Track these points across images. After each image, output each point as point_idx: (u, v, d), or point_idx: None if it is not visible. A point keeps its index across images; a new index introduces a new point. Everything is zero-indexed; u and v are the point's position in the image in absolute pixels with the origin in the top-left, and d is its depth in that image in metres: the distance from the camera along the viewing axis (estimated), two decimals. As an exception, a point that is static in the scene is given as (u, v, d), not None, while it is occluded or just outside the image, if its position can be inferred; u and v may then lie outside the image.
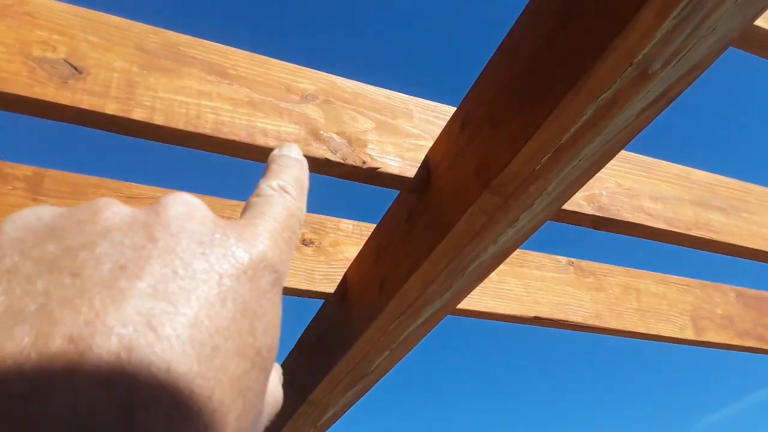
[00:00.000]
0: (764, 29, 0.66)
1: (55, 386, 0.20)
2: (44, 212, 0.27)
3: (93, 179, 1.13)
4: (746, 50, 0.68)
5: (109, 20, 0.85)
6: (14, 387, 0.20)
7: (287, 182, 0.33)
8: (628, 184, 1.00)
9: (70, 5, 0.85)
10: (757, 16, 0.54)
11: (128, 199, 1.13)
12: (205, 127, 0.83)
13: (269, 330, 0.27)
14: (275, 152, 0.37)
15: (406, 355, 1.18)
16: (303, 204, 0.33)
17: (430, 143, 0.93)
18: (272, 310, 0.27)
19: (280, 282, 0.28)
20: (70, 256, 0.24)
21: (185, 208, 0.28)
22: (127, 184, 1.15)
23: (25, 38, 0.79)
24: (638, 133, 0.67)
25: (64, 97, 0.80)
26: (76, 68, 0.82)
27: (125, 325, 0.22)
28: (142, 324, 0.22)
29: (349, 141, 0.90)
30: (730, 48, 0.65)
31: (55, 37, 0.83)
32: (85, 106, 0.80)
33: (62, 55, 0.83)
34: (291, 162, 0.36)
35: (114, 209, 0.27)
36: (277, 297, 0.28)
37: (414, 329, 1.06)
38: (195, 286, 0.24)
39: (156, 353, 0.22)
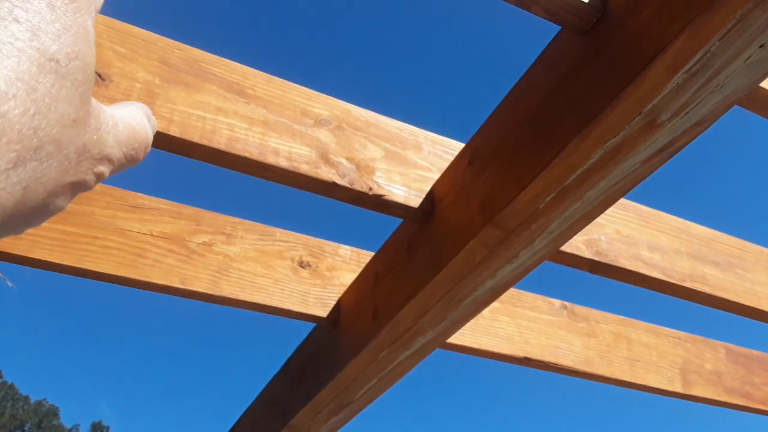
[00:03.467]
0: (768, 91, 0.68)
1: None
2: None
3: (98, 186, 1.13)
4: (751, 110, 0.71)
5: (136, 32, 0.87)
6: None
7: None
8: (627, 232, 1.02)
9: (102, 15, 0.87)
10: (764, 77, 0.57)
11: (132, 208, 1.14)
12: (219, 142, 0.85)
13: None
14: None
15: (392, 387, 1.18)
16: None
17: (436, 176, 0.95)
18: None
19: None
20: None
21: None
22: (132, 193, 1.15)
23: (53, 41, 0.81)
24: (642, 180, 0.68)
25: (85, 101, 0.82)
26: (100, 75, 0.84)
27: None
28: None
29: (358, 167, 0.92)
30: (736, 107, 0.67)
31: (81, 43, 0.85)
32: (104, 111, 0.82)
33: (86, 61, 0.85)
34: None
35: None
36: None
37: (404, 359, 1.07)
38: None
39: None
